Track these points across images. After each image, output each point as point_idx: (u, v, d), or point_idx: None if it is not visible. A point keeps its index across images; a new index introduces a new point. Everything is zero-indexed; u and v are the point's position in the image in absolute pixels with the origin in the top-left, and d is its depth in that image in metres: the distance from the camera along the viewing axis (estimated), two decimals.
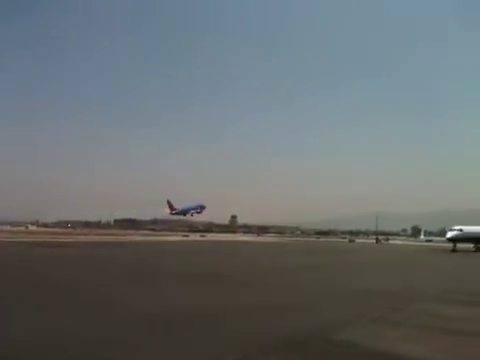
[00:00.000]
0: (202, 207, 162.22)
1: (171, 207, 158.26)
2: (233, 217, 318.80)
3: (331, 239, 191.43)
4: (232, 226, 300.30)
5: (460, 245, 79.92)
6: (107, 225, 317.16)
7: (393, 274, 31.81)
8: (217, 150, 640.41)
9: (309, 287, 22.04)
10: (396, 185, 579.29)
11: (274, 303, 16.35)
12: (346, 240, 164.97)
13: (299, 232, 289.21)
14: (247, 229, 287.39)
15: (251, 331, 11.65)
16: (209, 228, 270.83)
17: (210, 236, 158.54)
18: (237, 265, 36.03)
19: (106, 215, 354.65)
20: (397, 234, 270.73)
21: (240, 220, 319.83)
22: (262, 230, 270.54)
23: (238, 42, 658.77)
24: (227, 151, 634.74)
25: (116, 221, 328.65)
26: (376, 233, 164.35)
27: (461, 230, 79.44)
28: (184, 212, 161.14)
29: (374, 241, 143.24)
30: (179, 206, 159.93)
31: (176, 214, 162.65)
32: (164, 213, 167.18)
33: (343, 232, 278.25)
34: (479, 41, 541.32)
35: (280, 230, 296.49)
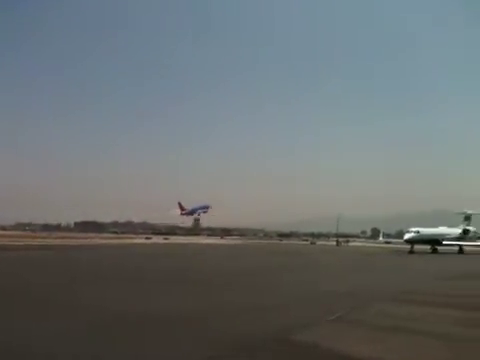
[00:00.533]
0: (207, 207, 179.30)
1: (182, 208, 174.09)
2: (196, 220, 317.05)
3: (293, 241, 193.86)
4: (195, 229, 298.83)
5: (417, 246, 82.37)
6: (67, 228, 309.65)
7: (351, 275, 32.69)
8: (199, 150, 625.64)
9: (268, 288, 22.32)
10: (356, 187, 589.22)
11: (232, 304, 16.49)
12: (308, 242, 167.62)
13: (262, 234, 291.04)
14: (211, 232, 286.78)
15: (207, 334, 11.68)
16: (172, 231, 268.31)
17: (173, 239, 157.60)
18: (198, 266, 36.07)
19: (66, 217, 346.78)
20: (357, 236, 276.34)
21: (205, 223, 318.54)
22: (225, 232, 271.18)
23: (228, 40, 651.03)
24: (205, 152, 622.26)
25: (76, 224, 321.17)
26: (337, 235, 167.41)
27: (418, 232, 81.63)
28: (192, 212, 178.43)
29: (334, 243, 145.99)
30: (189, 206, 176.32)
31: (185, 214, 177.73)
32: (175, 214, 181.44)
33: (305, 234, 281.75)
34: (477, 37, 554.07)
35: (243, 232, 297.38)
